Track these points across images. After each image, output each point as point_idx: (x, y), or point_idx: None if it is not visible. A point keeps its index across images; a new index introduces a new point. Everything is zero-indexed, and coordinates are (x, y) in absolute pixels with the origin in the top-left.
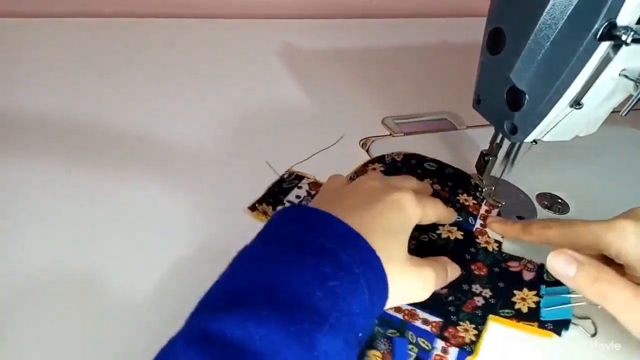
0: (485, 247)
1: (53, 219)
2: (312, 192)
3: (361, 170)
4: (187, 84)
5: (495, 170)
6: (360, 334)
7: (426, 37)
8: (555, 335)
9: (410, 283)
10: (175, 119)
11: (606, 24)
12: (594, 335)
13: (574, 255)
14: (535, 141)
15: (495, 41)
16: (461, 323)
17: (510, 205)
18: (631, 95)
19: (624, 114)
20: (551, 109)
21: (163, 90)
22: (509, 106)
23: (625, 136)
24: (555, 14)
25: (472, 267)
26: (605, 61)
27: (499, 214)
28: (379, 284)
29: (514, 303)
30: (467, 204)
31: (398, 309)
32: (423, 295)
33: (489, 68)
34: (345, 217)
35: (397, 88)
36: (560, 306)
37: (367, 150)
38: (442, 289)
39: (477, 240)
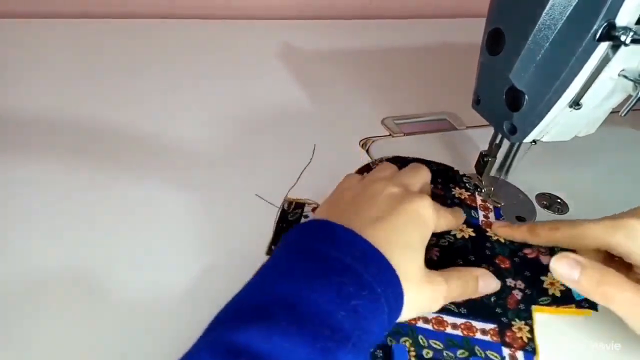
0: (498, 239)
1: (53, 219)
2: None
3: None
4: (187, 84)
5: (495, 171)
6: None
7: (426, 37)
8: (593, 312)
9: (422, 298)
10: (176, 119)
11: (605, 24)
12: None
13: (577, 259)
14: (534, 141)
15: (494, 41)
16: (513, 323)
17: (510, 206)
18: (630, 96)
19: (623, 114)
20: (550, 109)
21: (163, 90)
22: (509, 106)
23: (625, 136)
24: (555, 15)
25: (497, 261)
26: (604, 61)
27: (495, 209)
28: (397, 302)
29: (547, 289)
30: (462, 197)
31: (442, 323)
32: (431, 309)
33: (488, 68)
34: (366, 231)
35: (396, 88)
36: None
37: (367, 151)
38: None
39: (488, 234)
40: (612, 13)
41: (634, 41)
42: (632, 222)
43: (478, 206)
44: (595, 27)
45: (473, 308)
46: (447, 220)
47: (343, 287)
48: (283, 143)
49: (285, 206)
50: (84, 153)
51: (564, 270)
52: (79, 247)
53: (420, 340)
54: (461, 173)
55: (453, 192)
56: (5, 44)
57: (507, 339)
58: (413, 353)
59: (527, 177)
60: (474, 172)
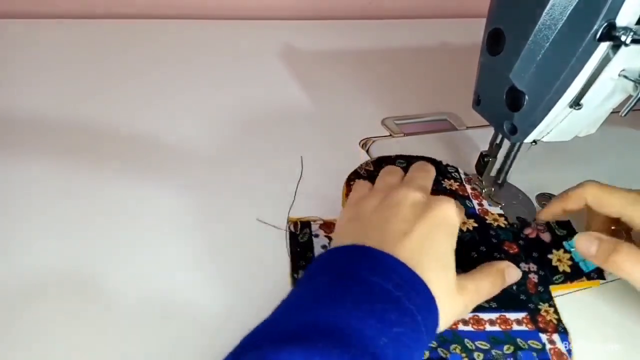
0: (499, 225)
1: (52, 220)
2: (328, 233)
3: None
4: (187, 84)
5: (495, 171)
6: None
7: (426, 38)
8: (600, 281)
9: (455, 310)
10: (176, 119)
11: (605, 24)
12: None
13: (595, 235)
14: (535, 141)
15: (495, 42)
16: (539, 307)
17: (510, 206)
18: (630, 96)
19: (623, 115)
20: (551, 109)
21: (163, 91)
22: (509, 107)
23: (625, 137)
24: (555, 15)
25: (505, 248)
26: (605, 62)
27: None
28: (434, 327)
29: (557, 267)
30: (453, 188)
31: (493, 322)
32: (465, 316)
33: (488, 68)
34: (398, 249)
35: (397, 89)
36: None
37: (367, 151)
38: None
39: (488, 221)
40: (613, 13)
41: (634, 41)
42: None
43: (470, 195)
44: (595, 27)
45: (501, 300)
46: (461, 215)
47: (385, 313)
48: (283, 143)
49: (292, 228)
50: (84, 153)
51: (583, 245)
52: (78, 247)
53: (468, 344)
54: (444, 163)
55: (444, 185)
56: (6, 44)
57: (540, 325)
58: (466, 359)
59: (527, 177)
60: (475, 172)
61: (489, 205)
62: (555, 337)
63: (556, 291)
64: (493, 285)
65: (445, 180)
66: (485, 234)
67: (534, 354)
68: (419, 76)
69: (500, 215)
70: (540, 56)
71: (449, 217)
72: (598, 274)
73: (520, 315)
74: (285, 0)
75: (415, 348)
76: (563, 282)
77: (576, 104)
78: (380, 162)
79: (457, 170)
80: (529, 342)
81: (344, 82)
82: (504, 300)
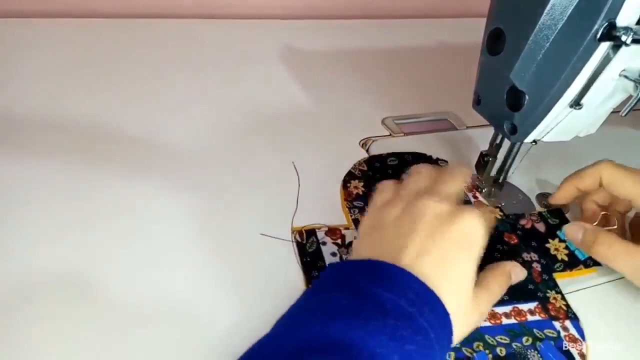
0: (495, 217)
1: (52, 219)
2: (335, 239)
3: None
4: (187, 84)
5: (495, 171)
6: None
7: (426, 37)
8: (597, 267)
9: (469, 323)
10: (176, 119)
11: (606, 24)
12: None
13: (579, 224)
14: (535, 141)
15: (495, 41)
16: (548, 295)
17: (510, 206)
18: (631, 96)
19: (623, 115)
20: (551, 109)
21: (163, 90)
22: (509, 106)
23: (625, 137)
24: (555, 15)
25: (505, 239)
26: (605, 61)
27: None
28: (447, 341)
29: (555, 255)
30: None
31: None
32: (477, 326)
33: (489, 68)
34: (416, 265)
35: (397, 88)
36: None
37: (367, 151)
38: None
39: None
40: (613, 13)
41: (634, 41)
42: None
43: (464, 188)
44: (596, 27)
45: (511, 292)
46: (489, 220)
47: (397, 330)
48: (283, 143)
49: (297, 237)
50: (83, 153)
51: (571, 233)
52: (78, 247)
53: (489, 340)
54: (434, 157)
55: None
56: (6, 44)
57: (552, 313)
58: (490, 356)
59: (527, 177)
60: (475, 172)
61: (485, 197)
62: (568, 323)
63: (560, 279)
64: (502, 289)
65: None
66: None
67: (552, 343)
68: (419, 76)
69: (495, 207)
70: (540, 56)
71: (472, 231)
72: (594, 261)
73: (532, 305)
74: (285, 0)
75: None
76: (563, 270)
77: (576, 104)
78: (373, 162)
79: (447, 164)
80: (545, 331)
81: (344, 82)
82: (514, 292)
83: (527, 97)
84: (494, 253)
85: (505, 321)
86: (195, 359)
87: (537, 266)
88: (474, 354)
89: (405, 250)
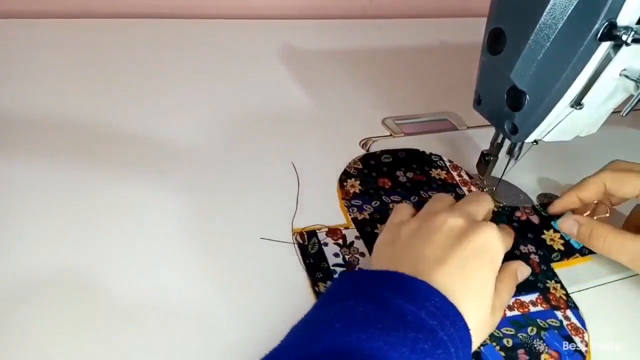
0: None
1: (52, 219)
2: (336, 240)
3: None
4: (187, 84)
5: (496, 171)
6: None
7: (426, 37)
8: (592, 256)
9: (485, 333)
10: (175, 119)
11: (606, 24)
12: None
13: (576, 218)
14: (536, 141)
15: (495, 41)
16: (548, 285)
17: (511, 206)
18: (632, 96)
19: (624, 114)
20: (552, 109)
21: (162, 90)
22: (510, 106)
23: (626, 136)
24: (556, 14)
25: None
26: (606, 61)
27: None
28: (466, 354)
29: (551, 246)
30: (442, 177)
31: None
32: (490, 332)
33: (489, 68)
34: (434, 276)
35: (397, 88)
36: None
37: (368, 151)
38: None
39: None
40: (613, 12)
41: (635, 41)
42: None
43: (458, 182)
44: (596, 26)
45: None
46: (507, 244)
47: (418, 343)
48: (283, 143)
49: (298, 238)
50: (83, 153)
51: (567, 227)
52: (77, 247)
53: (496, 333)
54: (427, 153)
55: (432, 175)
56: (6, 44)
57: (553, 302)
58: (497, 347)
59: (528, 177)
60: (476, 172)
61: (471, 181)
62: (569, 312)
63: (558, 269)
64: (512, 291)
65: (433, 169)
66: None
67: (556, 332)
68: (420, 76)
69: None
70: (541, 56)
71: (489, 243)
72: (589, 249)
73: (534, 296)
74: (285, 0)
75: None
76: (560, 259)
77: (577, 103)
78: (368, 159)
79: (441, 159)
80: (548, 321)
81: (344, 82)
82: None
83: (527, 96)
84: None
85: (509, 313)
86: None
87: (535, 257)
88: (481, 348)
89: (422, 261)
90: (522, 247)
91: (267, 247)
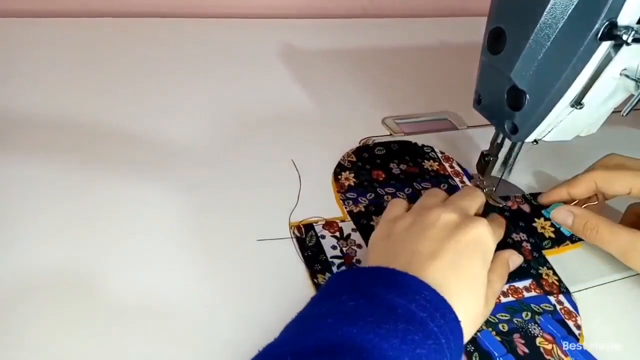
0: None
1: (52, 219)
2: (333, 232)
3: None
4: (186, 84)
5: (496, 170)
6: None
7: (426, 37)
8: (582, 243)
9: (478, 323)
10: (175, 119)
11: (607, 23)
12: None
13: (570, 209)
14: (536, 141)
15: (495, 41)
16: (540, 271)
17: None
18: (632, 95)
19: (625, 114)
20: (552, 108)
21: (162, 90)
22: (510, 106)
23: (626, 136)
24: (556, 14)
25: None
26: (606, 61)
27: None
28: (458, 345)
29: (542, 234)
30: (435, 169)
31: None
32: (483, 320)
33: (489, 68)
34: (427, 271)
35: (397, 88)
36: None
37: None
38: None
39: None
40: (614, 12)
41: (635, 40)
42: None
43: (450, 173)
44: (596, 26)
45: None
46: (499, 235)
47: (408, 334)
48: (283, 142)
49: (296, 232)
50: (82, 153)
51: (561, 217)
52: (76, 246)
53: (490, 319)
54: (419, 144)
55: (425, 166)
56: (6, 44)
57: (546, 288)
58: (493, 332)
59: (528, 177)
60: (476, 172)
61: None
62: (562, 297)
63: (549, 256)
64: (504, 280)
65: (425, 161)
66: None
67: (550, 316)
68: (420, 75)
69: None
70: (541, 55)
71: (481, 238)
72: (579, 237)
73: (527, 282)
74: (285, 0)
75: None
76: (551, 247)
77: (577, 103)
78: (362, 152)
79: (433, 150)
80: (542, 305)
81: (344, 81)
82: (510, 272)
83: (527, 96)
84: None
85: (503, 299)
86: (196, 358)
87: (527, 245)
88: (478, 333)
89: (415, 256)
90: (514, 235)
91: (266, 242)
